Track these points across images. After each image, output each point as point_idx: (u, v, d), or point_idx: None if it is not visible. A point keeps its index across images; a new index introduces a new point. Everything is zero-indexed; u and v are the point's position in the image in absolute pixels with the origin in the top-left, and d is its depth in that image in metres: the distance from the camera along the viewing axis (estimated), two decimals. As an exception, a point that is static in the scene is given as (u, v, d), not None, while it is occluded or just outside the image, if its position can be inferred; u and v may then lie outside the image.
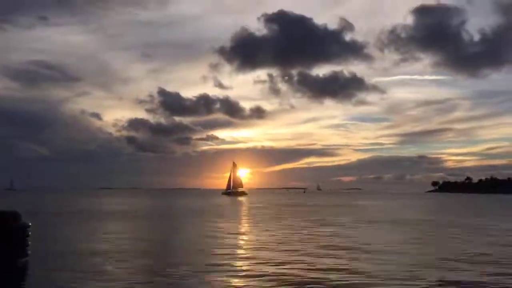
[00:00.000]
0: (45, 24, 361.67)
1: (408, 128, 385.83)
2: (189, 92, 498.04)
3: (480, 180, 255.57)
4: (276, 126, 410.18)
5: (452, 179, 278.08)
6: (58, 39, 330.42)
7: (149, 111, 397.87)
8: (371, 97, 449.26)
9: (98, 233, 22.91)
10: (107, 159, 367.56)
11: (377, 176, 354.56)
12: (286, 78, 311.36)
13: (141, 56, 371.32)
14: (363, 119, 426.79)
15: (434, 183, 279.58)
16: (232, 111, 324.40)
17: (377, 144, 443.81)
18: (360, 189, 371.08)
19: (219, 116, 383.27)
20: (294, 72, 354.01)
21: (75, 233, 23.23)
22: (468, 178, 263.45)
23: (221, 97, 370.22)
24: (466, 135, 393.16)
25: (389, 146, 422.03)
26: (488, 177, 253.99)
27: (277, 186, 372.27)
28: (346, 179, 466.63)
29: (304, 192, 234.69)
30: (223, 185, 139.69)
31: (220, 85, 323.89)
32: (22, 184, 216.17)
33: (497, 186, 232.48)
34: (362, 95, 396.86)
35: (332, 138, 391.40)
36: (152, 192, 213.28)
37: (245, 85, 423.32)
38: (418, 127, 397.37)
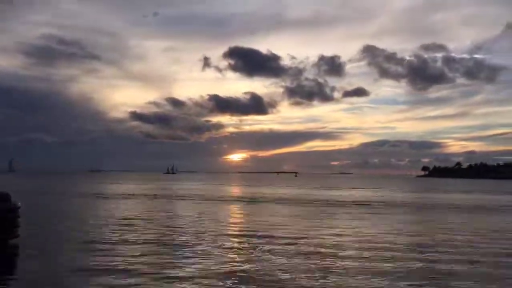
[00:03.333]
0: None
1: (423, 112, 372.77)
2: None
3: (470, 166, 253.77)
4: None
5: (442, 164, 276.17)
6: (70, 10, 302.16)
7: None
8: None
9: None
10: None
11: (370, 160, 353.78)
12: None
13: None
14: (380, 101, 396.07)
15: (424, 168, 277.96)
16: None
17: (388, 128, 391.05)
18: (351, 173, 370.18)
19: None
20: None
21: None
22: (458, 164, 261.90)
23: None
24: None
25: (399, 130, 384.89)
26: (478, 162, 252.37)
27: (271, 170, 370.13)
28: (340, 163, 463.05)
29: (296, 176, 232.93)
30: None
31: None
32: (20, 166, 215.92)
33: (487, 171, 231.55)
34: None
35: (344, 121, 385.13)
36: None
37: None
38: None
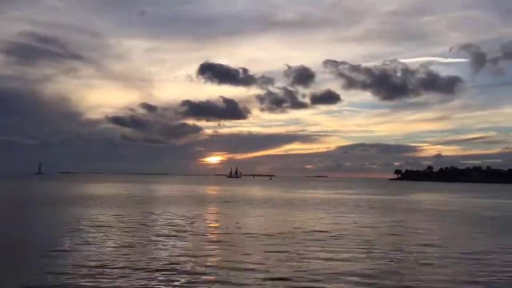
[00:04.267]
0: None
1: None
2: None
3: (441, 169, 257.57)
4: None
5: (414, 168, 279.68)
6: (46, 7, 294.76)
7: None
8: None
9: None
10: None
11: (346, 163, 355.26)
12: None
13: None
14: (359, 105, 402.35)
15: (397, 172, 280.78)
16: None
17: (368, 131, 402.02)
18: (325, 176, 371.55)
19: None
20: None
21: None
22: (429, 167, 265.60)
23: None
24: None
25: (378, 134, 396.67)
26: (448, 166, 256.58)
27: (247, 172, 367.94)
28: (316, 166, 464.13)
29: (271, 179, 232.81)
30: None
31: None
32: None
33: (457, 175, 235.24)
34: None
35: (324, 124, 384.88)
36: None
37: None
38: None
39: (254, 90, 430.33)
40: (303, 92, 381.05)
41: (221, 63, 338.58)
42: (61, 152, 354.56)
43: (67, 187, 67.78)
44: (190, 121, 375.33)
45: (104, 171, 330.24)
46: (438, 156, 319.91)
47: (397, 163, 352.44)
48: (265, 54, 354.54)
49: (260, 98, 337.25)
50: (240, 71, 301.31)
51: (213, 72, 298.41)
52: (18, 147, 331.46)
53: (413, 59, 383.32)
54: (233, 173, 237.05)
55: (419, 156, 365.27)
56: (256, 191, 72.02)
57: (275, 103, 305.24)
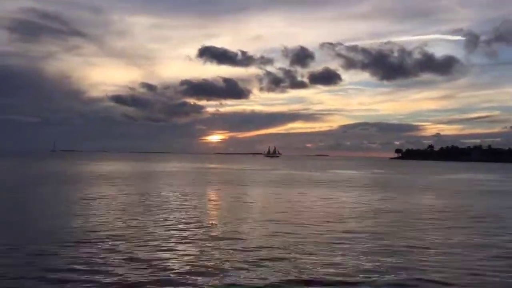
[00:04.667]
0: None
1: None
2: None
3: (442, 148, 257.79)
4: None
5: (415, 147, 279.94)
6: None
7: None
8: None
9: None
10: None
11: (347, 142, 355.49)
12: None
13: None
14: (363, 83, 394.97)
15: (397, 151, 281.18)
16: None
17: (371, 110, 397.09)
18: (327, 155, 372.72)
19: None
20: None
21: None
22: (430, 146, 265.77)
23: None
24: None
25: (382, 113, 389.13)
26: (449, 145, 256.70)
27: (248, 151, 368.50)
28: (317, 145, 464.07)
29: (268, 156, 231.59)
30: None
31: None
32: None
33: (458, 154, 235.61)
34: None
35: (328, 103, 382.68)
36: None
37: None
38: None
39: (255, 70, 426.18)
40: (306, 71, 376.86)
41: (224, 46, 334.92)
42: (63, 131, 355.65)
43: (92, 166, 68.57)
44: (192, 100, 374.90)
45: (106, 149, 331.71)
46: (438, 135, 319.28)
47: (397, 142, 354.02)
48: (268, 31, 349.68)
49: (261, 78, 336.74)
50: (239, 53, 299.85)
51: (212, 54, 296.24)
52: (20, 125, 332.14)
53: (414, 37, 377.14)
54: (271, 152, 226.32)
55: (421, 135, 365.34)
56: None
57: (277, 82, 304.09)
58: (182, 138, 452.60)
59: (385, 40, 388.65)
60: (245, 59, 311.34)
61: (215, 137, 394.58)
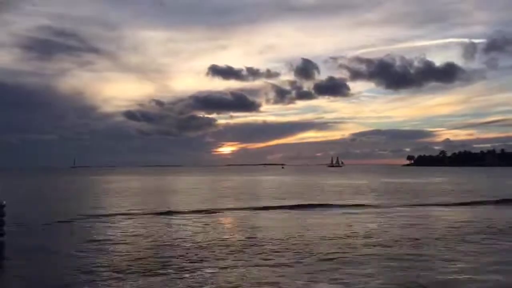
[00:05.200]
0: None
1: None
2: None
3: (454, 154, 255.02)
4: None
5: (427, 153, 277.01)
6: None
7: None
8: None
9: None
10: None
11: (359, 150, 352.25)
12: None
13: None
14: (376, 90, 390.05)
15: (409, 157, 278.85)
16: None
17: (384, 117, 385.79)
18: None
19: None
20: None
21: None
22: (442, 152, 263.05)
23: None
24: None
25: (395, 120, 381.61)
26: (462, 150, 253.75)
27: (259, 162, 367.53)
28: (324, 154, 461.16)
29: (283, 167, 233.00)
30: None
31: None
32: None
33: (472, 159, 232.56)
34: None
35: (341, 111, 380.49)
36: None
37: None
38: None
39: (265, 81, 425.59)
40: (317, 80, 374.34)
41: (234, 57, 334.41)
42: (77, 146, 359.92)
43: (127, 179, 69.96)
44: (202, 113, 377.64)
45: (118, 164, 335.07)
46: (447, 141, 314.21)
47: (408, 149, 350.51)
48: (280, 42, 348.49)
49: (271, 89, 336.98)
50: (248, 65, 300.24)
51: (221, 70, 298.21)
52: (35, 142, 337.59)
53: (430, 42, 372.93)
54: (334, 162, 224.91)
55: (435, 141, 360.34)
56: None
57: (287, 92, 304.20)
58: (193, 151, 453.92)
59: (398, 46, 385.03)
60: (255, 71, 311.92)
61: (226, 149, 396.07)
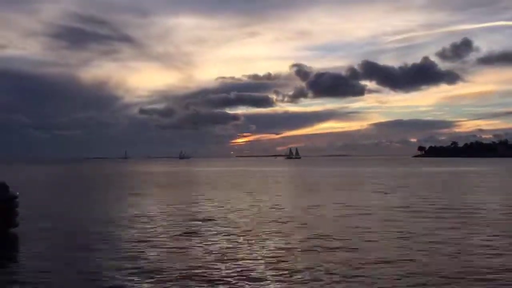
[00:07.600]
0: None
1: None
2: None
3: (466, 145, 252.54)
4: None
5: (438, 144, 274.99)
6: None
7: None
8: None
9: None
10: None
11: (376, 142, 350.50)
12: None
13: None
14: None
15: (420, 148, 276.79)
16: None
17: (405, 107, 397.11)
18: (346, 155, 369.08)
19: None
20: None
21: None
22: (453, 143, 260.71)
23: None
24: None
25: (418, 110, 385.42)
26: (474, 141, 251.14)
27: (271, 153, 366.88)
28: (341, 145, 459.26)
29: (299, 158, 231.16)
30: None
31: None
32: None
33: (484, 150, 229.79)
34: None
35: (366, 100, 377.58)
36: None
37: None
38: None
39: (293, 70, 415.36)
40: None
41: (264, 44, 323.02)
42: (99, 137, 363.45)
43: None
44: (226, 105, 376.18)
45: (153, 155, 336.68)
46: (458, 133, 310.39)
47: (421, 139, 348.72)
48: (314, 28, 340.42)
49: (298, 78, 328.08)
50: (276, 52, 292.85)
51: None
52: (62, 133, 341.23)
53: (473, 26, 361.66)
54: (294, 154, 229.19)
55: (455, 131, 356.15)
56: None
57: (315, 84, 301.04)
58: (213, 143, 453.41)
59: (440, 31, 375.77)
60: (283, 58, 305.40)
61: (243, 140, 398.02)
